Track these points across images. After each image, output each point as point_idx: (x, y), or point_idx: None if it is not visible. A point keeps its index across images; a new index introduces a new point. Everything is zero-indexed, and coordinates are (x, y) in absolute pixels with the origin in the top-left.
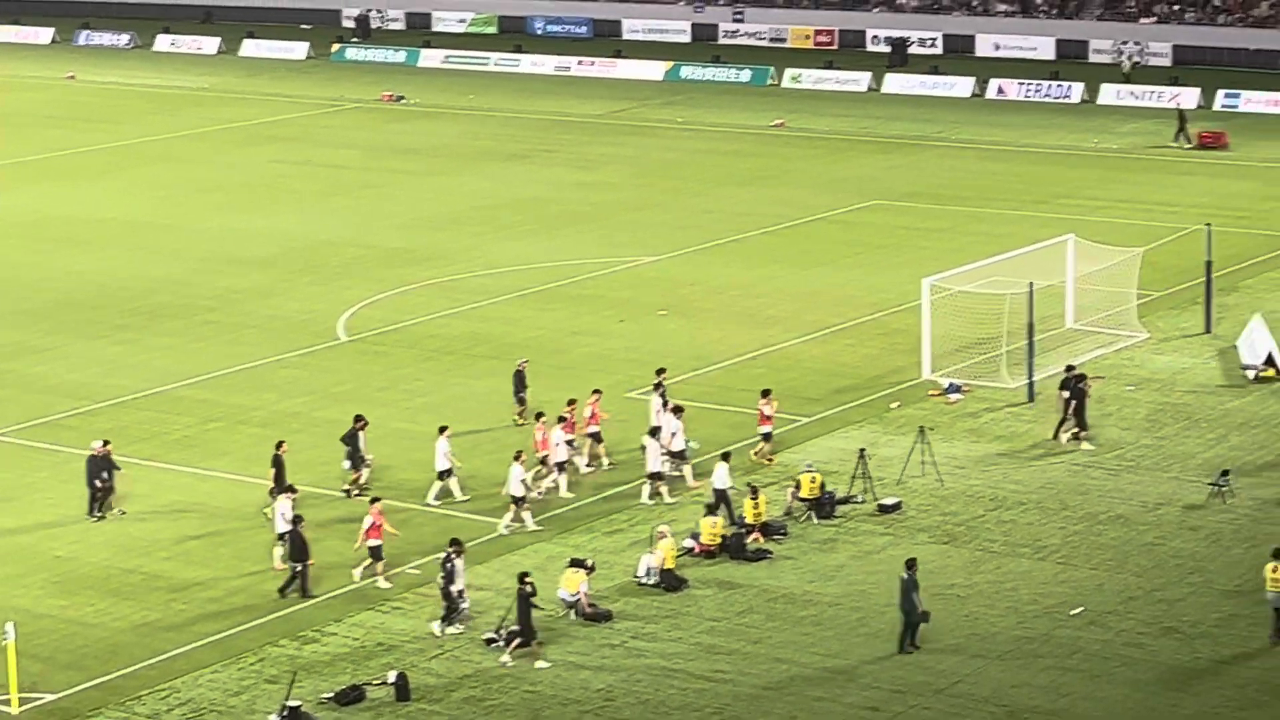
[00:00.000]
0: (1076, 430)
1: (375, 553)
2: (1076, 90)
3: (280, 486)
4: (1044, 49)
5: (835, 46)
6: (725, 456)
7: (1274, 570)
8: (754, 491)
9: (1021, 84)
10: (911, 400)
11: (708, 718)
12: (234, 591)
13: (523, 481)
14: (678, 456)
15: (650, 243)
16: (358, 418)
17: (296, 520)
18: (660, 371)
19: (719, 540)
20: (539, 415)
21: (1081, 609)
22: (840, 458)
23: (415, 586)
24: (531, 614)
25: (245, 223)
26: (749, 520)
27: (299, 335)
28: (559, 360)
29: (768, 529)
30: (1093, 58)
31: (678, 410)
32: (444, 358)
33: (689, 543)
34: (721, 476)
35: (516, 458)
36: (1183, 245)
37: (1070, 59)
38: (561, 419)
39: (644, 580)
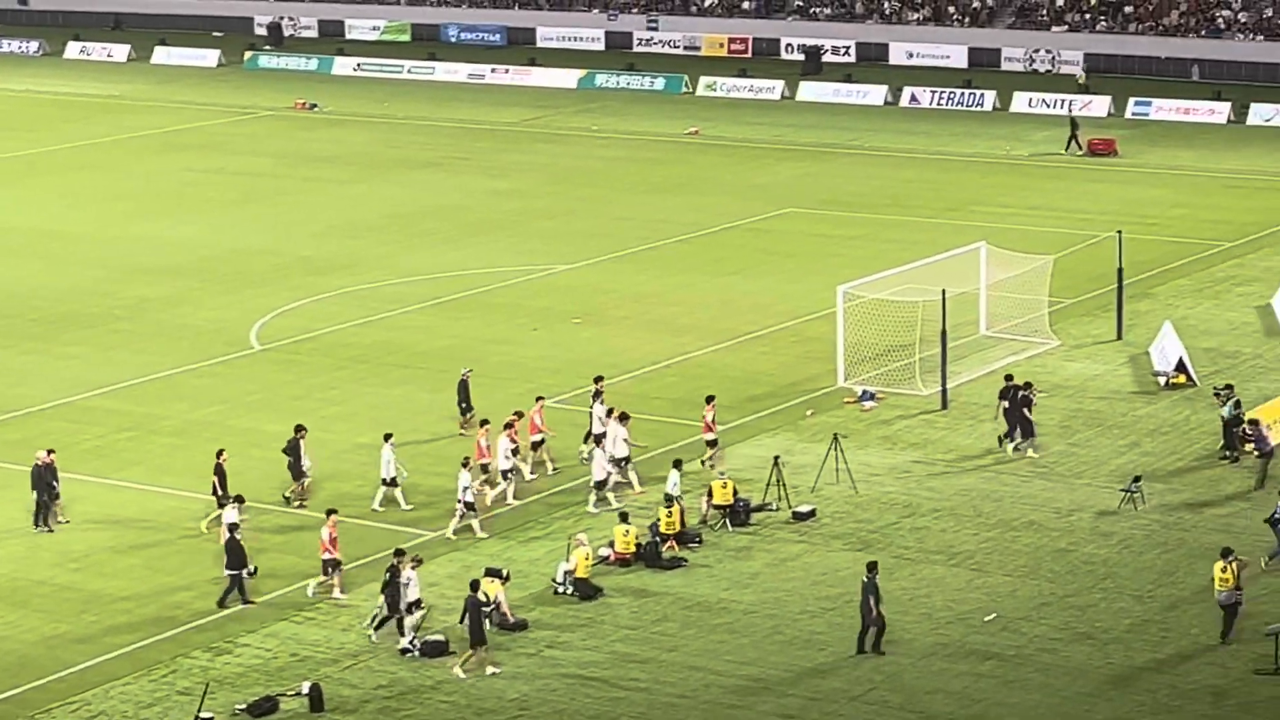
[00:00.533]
0: (1019, 438)
1: (325, 566)
2: (989, 98)
3: (224, 495)
4: (957, 57)
5: (749, 55)
6: (677, 464)
7: (1223, 570)
8: (668, 500)
9: (934, 92)
10: (826, 408)
11: None
12: (145, 603)
13: (466, 488)
14: (622, 462)
15: (564, 251)
16: (298, 427)
17: (233, 528)
18: (599, 379)
19: (633, 548)
20: (484, 423)
21: (995, 615)
22: (755, 465)
23: (327, 596)
24: (483, 622)
25: (157, 231)
26: (663, 529)
27: (211, 344)
28: (473, 369)
29: (683, 537)
30: (1005, 66)
31: (624, 417)
32: (358, 366)
33: (605, 551)
34: (674, 483)
35: (464, 464)
36: (1094, 252)
37: (983, 67)
38: (508, 425)
39: (560, 588)
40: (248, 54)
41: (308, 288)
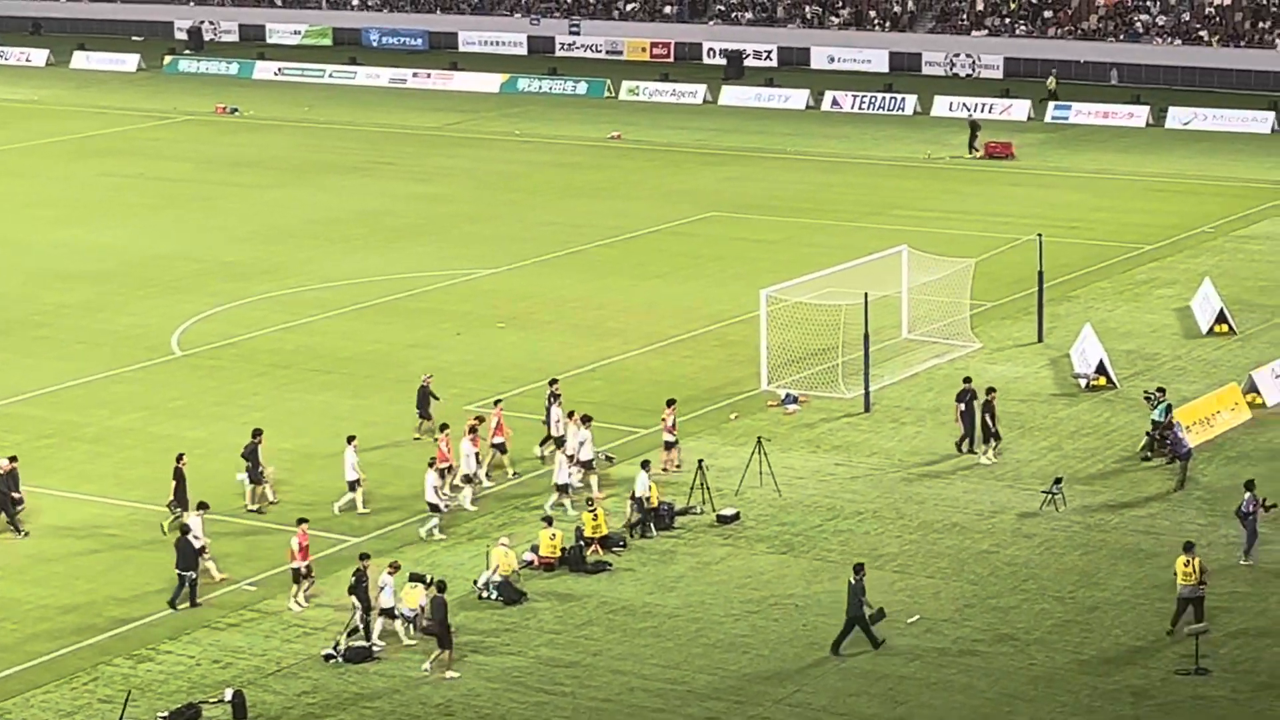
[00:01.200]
0: (991, 444)
1: (296, 576)
2: (910, 102)
3: (181, 500)
4: (878, 61)
5: (671, 59)
6: (645, 465)
7: (1185, 565)
8: (590, 503)
9: (856, 96)
10: (749, 411)
11: None
12: (67, 610)
13: (435, 489)
14: (585, 466)
15: (488, 255)
16: (256, 431)
17: (184, 530)
18: (554, 382)
19: (558, 553)
20: (443, 427)
21: (918, 617)
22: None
23: (252, 604)
24: (449, 622)
25: (76, 237)
26: (588, 533)
27: (132, 350)
28: (395, 374)
29: (607, 541)
30: (925, 70)
31: (586, 419)
32: (280, 372)
33: (528, 556)
34: (642, 484)
35: (431, 465)
36: (1015, 255)
37: (903, 71)
38: (472, 429)
39: (483, 593)
40: (168, 58)
41: (229, 293)
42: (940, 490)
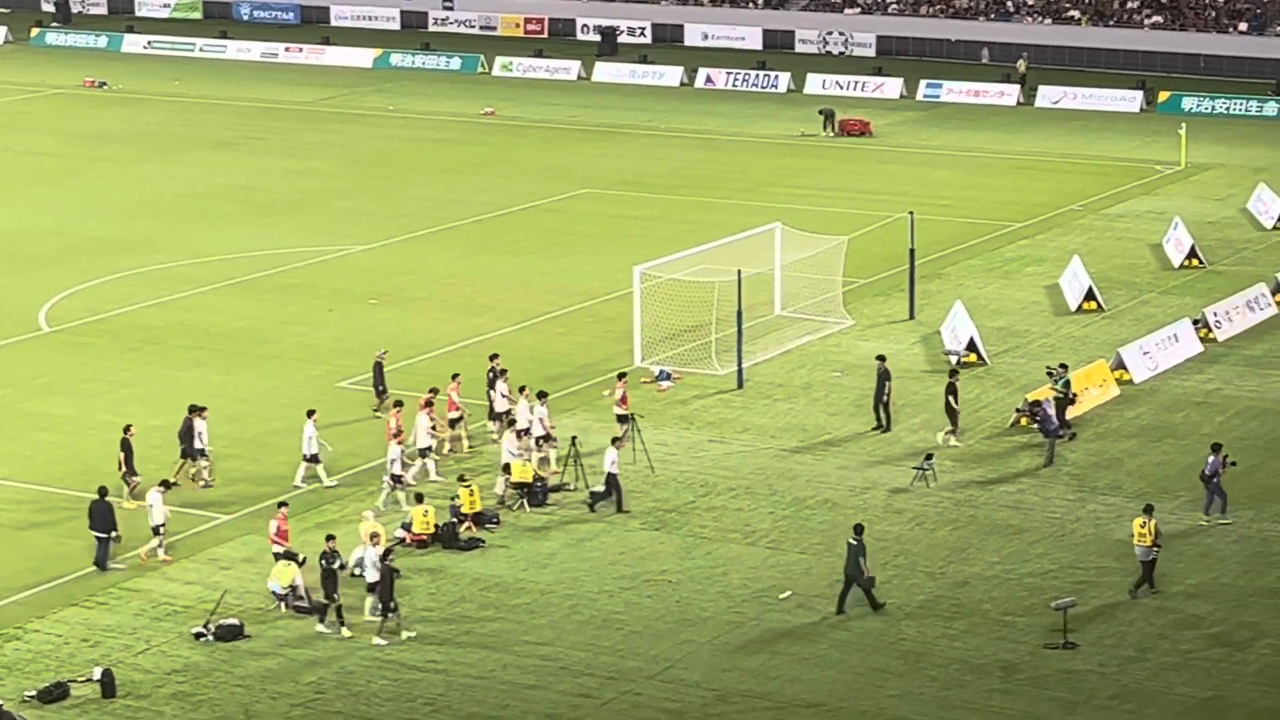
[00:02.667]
0: (950, 429)
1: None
2: (783, 80)
3: (130, 470)
4: (751, 39)
5: (545, 35)
6: (614, 441)
7: (1141, 526)
8: (462, 478)
9: (729, 73)
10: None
11: (420, 708)
12: None
13: (400, 462)
14: (542, 441)
15: (360, 231)
16: (192, 407)
17: (103, 492)
18: (494, 357)
19: (431, 529)
20: (398, 403)
21: (790, 593)
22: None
23: (121, 583)
24: (394, 590)
25: None
26: (464, 509)
27: None
28: (267, 350)
29: (480, 518)
30: (799, 48)
31: (542, 395)
32: (149, 348)
33: (400, 533)
34: (612, 460)
35: (395, 437)
36: (887, 233)
37: (777, 49)
38: (429, 404)
39: (356, 571)
40: (35, 31)
41: (98, 269)
42: (812, 466)
